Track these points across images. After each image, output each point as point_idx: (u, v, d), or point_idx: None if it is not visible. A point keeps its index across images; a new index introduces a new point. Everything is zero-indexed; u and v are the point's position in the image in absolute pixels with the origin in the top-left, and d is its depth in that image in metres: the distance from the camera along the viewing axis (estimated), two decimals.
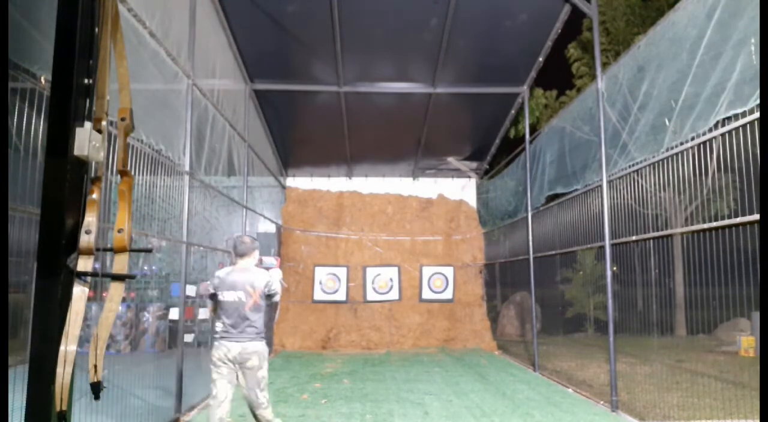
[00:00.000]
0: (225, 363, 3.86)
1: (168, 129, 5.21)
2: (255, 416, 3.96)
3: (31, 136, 2.95)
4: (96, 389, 1.48)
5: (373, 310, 10.90)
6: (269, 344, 10.19)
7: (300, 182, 11.71)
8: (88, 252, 1.43)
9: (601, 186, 6.00)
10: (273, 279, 4.09)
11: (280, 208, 11.25)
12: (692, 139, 4.49)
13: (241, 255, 4.10)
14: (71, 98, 1.41)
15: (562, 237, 7.46)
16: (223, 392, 3.83)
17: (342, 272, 11.01)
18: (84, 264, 1.43)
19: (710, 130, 4.25)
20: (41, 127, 2.97)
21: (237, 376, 3.90)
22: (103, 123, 1.51)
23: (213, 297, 4.09)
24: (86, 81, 1.45)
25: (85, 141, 1.41)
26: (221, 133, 6.94)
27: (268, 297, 4.06)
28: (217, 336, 3.99)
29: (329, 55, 7.84)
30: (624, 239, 5.65)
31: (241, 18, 7.05)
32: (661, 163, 4.99)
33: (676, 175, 4.75)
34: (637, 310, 6.98)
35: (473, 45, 7.85)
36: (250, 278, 3.99)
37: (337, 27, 7.19)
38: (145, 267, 10.35)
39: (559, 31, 7.35)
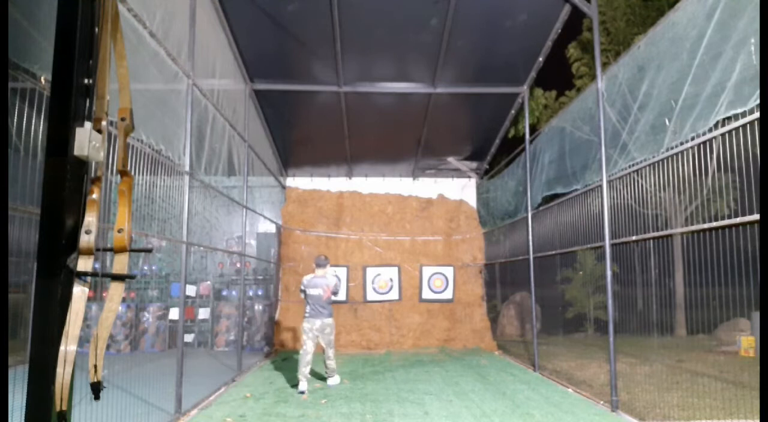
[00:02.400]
0: (311, 331, 6.70)
1: (168, 129, 5.20)
2: (325, 364, 6.99)
3: (31, 136, 2.95)
4: (96, 389, 1.48)
5: (373, 310, 10.90)
6: (269, 344, 10.22)
7: (300, 182, 11.71)
8: (88, 252, 1.43)
9: (601, 186, 6.00)
10: (339, 282, 7.11)
11: (280, 207, 11.25)
12: (692, 139, 4.49)
13: (318, 266, 7.00)
14: (71, 98, 1.41)
15: (562, 237, 7.46)
16: (310, 347, 6.64)
17: (342, 272, 11.00)
18: (84, 264, 1.43)
19: (710, 130, 4.25)
20: (41, 127, 2.97)
21: (318, 337, 6.74)
22: (103, 123, 1.51)
23: (303, 292, 6.88)
24: (86, 81, 1.45)
25: (85, 141, 1.41)
26: (221, 133, 6.94)
27: (334, 293, 6.86)
28: (306, 315, 6.78)
29: (329, 55, 7.84)
30: (624, 239, 5.65)
31: (241, 18, 7.05)
32: (661, 163, 4.99)
33: (676, 175, 4.75)
34: (637, 310, 6.98)
35: (473, 45, 7.85)
36: (325, 281, 6.85)
37: (337, 27, 7.19)
38: (145, 267, 10.36)
39: (559, 31, 7.34)
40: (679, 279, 8.73)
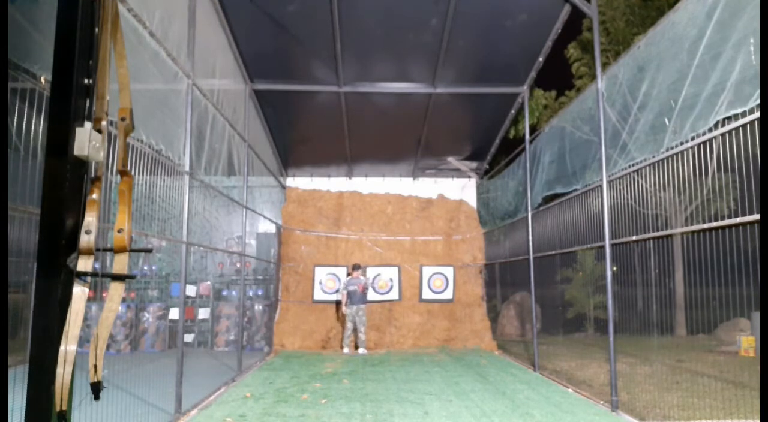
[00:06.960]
0: (350, 314, 9.85)
1: (168, 129, 5.20)
2: (357, 337, 9.89)
3: (31, 136, 2.95)
4: (96, 389, 1.48)
5: (373, 310, 10.90)
6: (269, 344, 10.23)
7: (300, 182, 11.71)
8: (88, 252, 1.43)
9: (601, 186, 6.00)
10: (368, 281, 10.48)
11: (280, 207, 11.24)
12: (692, 139, 4.49)
13: (355, 269, 10.16)
14: (71, 98, 1.41)
15: (562, 237, 7.46)
16: (350, 326, 9.89)
17: (342, 272, 11.00)
18: (84, 264, 1.43)
19: (710, 130, 4.25)
20: (41, 127, 2.97)
21: (355, 318, 9.88)
22: (103, 123, 1.51)
23: (345, 289, 9.99)
24: (86, 81, 1.46)
25: (85, 141, 1.41)
26: (221, 133, 6.94)
27: (365, 289, 10.06)
28: (348, 303, 9.88)
29: (329, 55, 7.84)
30: (624, 239, 5.65)
31: (241, 18, 7.05)
32: (661, 163, 4.99)
33: (676, 175, 4.75)
34: (637, 310, 6.98)
35: (473, 45, 7.84)
36: (359, 281, 10.01)
37: (337, 27, 7.19)
38: (145, 267, 10.36)
39: (559, 31, 7.34)
40: (679, 279, 8.74)
